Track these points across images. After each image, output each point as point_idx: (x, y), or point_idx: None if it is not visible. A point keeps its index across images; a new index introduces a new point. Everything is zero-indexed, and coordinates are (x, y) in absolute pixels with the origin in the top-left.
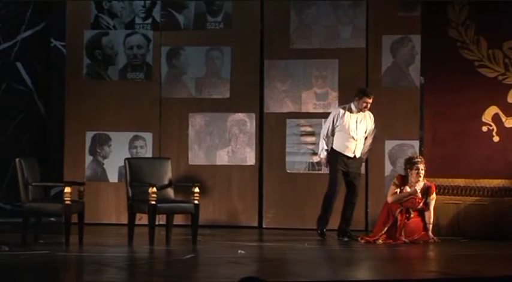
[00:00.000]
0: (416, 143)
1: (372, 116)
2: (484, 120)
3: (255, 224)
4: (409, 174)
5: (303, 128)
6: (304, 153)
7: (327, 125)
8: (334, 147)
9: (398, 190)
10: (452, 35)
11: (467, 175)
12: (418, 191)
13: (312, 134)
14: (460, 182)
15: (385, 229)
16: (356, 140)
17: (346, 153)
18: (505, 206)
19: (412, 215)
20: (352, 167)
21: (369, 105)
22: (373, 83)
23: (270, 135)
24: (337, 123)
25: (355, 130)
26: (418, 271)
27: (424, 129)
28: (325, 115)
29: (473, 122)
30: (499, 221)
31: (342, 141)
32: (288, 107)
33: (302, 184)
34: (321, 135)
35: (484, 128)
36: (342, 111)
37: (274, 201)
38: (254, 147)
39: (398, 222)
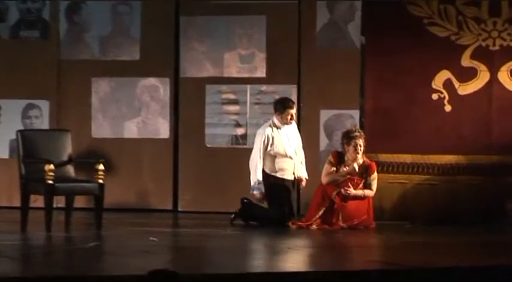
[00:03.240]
0: (356, 113)
1: (295, 126)
2: (434, 86)
3: (169, 207)
4: (346, 150)
5: (225, 96)
6: (226, 125)
7: (256, 152)
8: (269, 172)
9: (334, 169)
10: None
11: (415, 150)
12: (357, 169)
13: (235, 102)
14: (407, 158)
15: (320, 213)
16: (293, 159)
17: (286, 177)
18: (458, 185)
19: (350, 198)
20: (293, 192)
21: (294, 117)
22: (306, 43)
23: (186, 103)
24: (270, 148)
25: (289, 147)
26: (357, 261)
27: (365, 97)
28: (251, 80)
29: (421, 89)
30: (451, 203)
31: (279, 165)
32: (208, 70)
33: (224, 161)
34: (252, 165)
35: (434, 96)
36: (269, 130)
37: (192, 181)
38: (168, 117)
39: (335, 206)
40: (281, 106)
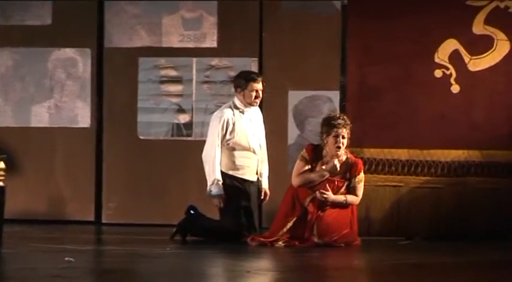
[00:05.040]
0: (335, 95)
1: (259, 112)
2: (437, 60)
3: (91, 217)
4: (325, 142)
5: (164, 72)
6: (165, 111)
7: (213, 141)
8: (224, 170)
9: (308, 167)
10: None
11: (413, 144)
12: (338, 168)
13: (177, 80)
14: (402, 154)
15: (289, 225)
16: (257, 153)
17: (246, 177)
18: (469, 189)
19: (329, 206)
20: (253, 198)
21: (260, 94)
22: (270, 3)
23: (113, 82)
24: (229, 136)
25: (253, 138)
26: None
27: (348, 74)
28: (198, 52)
29: (421, 64)
30: (459, 212)
31: (239, 160)
32: (142, 39)
33: (162, 157)
34: (208, 159)
35: (438, 73)
36: (229, 113)
37: (120, 184)
38: (89, 100)
39: (309, 216)
40: (243, 80)
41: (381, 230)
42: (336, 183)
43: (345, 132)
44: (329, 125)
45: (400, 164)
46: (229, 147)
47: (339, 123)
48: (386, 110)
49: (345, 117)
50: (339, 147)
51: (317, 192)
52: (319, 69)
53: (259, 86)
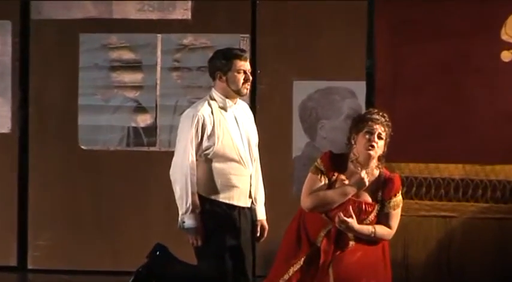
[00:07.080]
0: (360, 87)
1: (248, 109)
2: (505, 38)
3: (12, 262)
4: (353, 143)
5: (116, 54)
6: (118, 109)
7: (185, 151)
8: (203, 193)
9: (324, 183)
10: None
11: (469, 157)
12: (366, 181)
13: (135, 66)
14: (454, 171)
15: (292, 271)
16: (248, 167)
17: (235, 202)
18: None
19: (352, 242)
20: (244, 234)
21: (250, 77)
22: None
23: (43, 68)
24: (207, 143)
25: (242, 144)
26: None
27: (377, 60)
28: (164, 27)
29: (480, 43)
30: None
31: (223, 178)
32: (84, 8)
33: (113, 175)
34: (178, 177)
35: (506, 56)
36: (206, 110)
37: (53, 214)
38: (9, 95)
39: (322, 258)
40: (222, 60)
41: (425, 277)
42: (364, 206)
43: (382, 130)
44: (362, 120)
45: (452, 186)
46: (208, 160)
47: (376, 119)
48: (431, 109)
49: (385, 115)
50: (372, 147)
51: (333, 212)
52: (336, 50)
53: (246, 64)
